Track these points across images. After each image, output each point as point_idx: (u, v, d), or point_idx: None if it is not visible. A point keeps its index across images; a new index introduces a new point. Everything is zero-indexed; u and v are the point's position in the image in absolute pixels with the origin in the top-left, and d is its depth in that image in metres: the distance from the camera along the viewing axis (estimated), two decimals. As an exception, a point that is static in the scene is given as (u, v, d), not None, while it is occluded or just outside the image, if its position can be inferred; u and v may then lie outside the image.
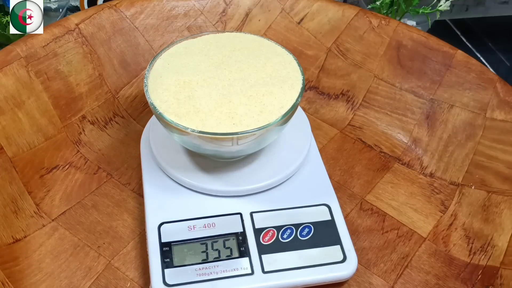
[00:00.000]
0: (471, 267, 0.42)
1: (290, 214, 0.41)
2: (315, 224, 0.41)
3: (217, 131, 0.36)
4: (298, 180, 0.44)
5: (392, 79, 0.52)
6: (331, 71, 0.54)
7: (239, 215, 0.41)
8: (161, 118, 0.37)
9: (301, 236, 0.40)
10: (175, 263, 0.38)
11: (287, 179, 0.43)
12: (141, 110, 0.52)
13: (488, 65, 0.70)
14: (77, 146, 0.48)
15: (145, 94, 0.38)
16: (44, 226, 0.43)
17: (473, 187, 0.47)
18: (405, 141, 0.51)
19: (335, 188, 0.44)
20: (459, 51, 0.50)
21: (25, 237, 0.42)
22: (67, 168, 0.47)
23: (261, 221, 0.41)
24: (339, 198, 0.43)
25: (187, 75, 0.40)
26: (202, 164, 0.43)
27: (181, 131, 0.37)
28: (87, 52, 0.49)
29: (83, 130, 0.49)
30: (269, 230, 0.40)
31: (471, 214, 0.45)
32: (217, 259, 0.39)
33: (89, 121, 0.49)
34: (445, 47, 0.51)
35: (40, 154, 0.46)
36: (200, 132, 0.36)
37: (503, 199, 0.45)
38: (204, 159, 0.43)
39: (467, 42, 0.74)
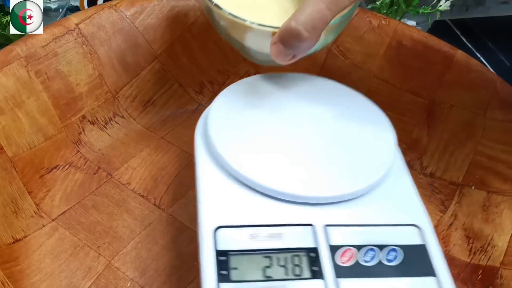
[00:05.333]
0: (471, 267, 0.42)
1: (372, 232, 0.34)
2: (403, 247, 0.34)
3: (278, 25, 0.33)
4: (381, 193, 0.36)
5: (392, 79, 0.52)
6: (331, 71, 0.54)
7: (310, 227, 0.34)
8: (216, 11, 0.35)
9: (387, 261, 0.33)
10: (233, 278, 0.31)
11: (370, 191, 0.36)
12: (141, 110, 0.52)
13: (488, 65, 0.70)
14: (77, 146, 0.48)
15: None
16: (44, 226, 0.43)
17: (473, 187, 0.47)
18: (405, 141, 0.51)
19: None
20: (459, 51, 0.50)
21: (25, 237, 0.42)
22: (67, 168, 0.47)
23: (337, 237, 0.34)
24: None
25: None
26: (271, 162, 0.36)
27: (238, 24, 0.34)
28: (87, 52, 0.49)
29: (83, 130, 0.49)
30: (348, 249, 0.33)
31: (471, 214, 0.45)
32: (284, 278, 0.32)
33: (89, 121, 0.49)
34: (445, 47, 0.51)
35: (40, 154, 0.46)
36: (260, 25, 0.34)
37: (503, 199, 0.45)
38: (275, 155, 0.36)
39: (467, 42, 0.74)
